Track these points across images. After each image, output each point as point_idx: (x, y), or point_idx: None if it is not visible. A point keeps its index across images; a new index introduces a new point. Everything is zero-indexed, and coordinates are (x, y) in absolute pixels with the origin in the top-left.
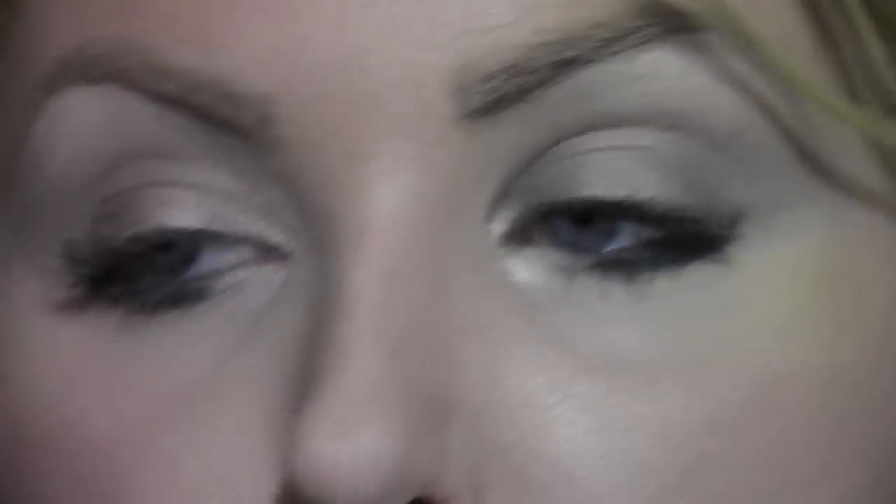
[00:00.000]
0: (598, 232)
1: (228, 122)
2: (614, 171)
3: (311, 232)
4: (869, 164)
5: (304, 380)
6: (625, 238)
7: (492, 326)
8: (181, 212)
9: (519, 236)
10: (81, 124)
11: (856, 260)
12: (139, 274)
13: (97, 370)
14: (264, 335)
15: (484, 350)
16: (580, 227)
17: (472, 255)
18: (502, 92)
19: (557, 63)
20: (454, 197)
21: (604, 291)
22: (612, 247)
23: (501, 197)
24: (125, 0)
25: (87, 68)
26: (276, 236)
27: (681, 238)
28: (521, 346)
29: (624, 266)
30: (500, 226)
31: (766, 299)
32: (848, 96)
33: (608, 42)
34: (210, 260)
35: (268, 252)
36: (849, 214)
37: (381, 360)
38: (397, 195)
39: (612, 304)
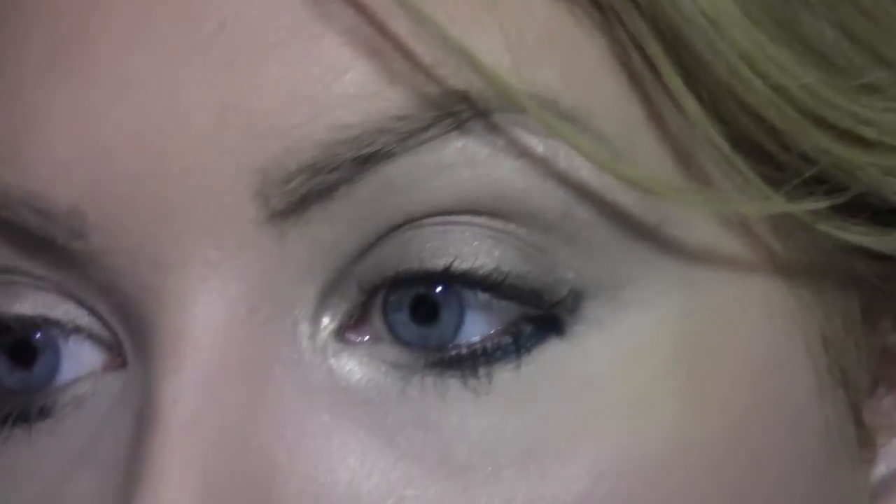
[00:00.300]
0: (437, 326)
1: (43, 237)
2: (444, 243)
3: (137, 340)
4: (723, 231)
5: (123, 500)
6: (467, 330)
7: (319, 433)
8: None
9: (353, 331)
10: None
11: (715, 329)
12: None
13: None
14: (99, 451)
15: (309, 459)
16: (420, 323)
17: (298, 357)
18: (304, 192)
19: (357, 159)
20: (272, 299)
21: (442, 390)
22: (453, 342)
23: (330, 292)
24: None
25: None
26: (110, 346)
27: (522, 320)
28: (351, 453)
29: (465, 361)
30: (331, 322)
31: (615, 380)
32: (678, 164)
33: (411, 134)
34: (52, 368)
35: (107, 361)
36: (704, 284)
37: (191, 478)
38: (211, 302)
39: (451, 402)
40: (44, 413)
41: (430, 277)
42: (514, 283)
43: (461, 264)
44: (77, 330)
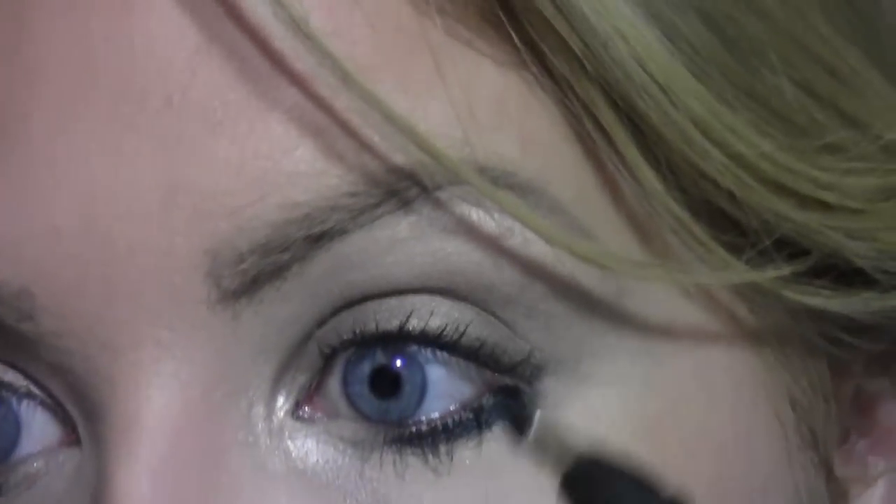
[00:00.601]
0: (398, 400)
1: None
2: (401, 305)
3: (91, 423)
4: (684, 300)
5: None
6: (428, 406)
7: None
8: None
9: (310, 405)
10: None
11: (679, 402)
12: None
13: None
14: None
15: None
16: (380, 396)
17: (254, 440)
18: (256, 272)
19: (309, 238)
20: (225, 381)
21: (402, 469)
22: (413, 417)
23: (285, 369)
24: None
25: None
26: (65, 423)
27: (484, 392)
28: None
29: (425, 437)
30: (286, 401)
31: None
32: (635, 234)
33: (362, 210)
34: (11, 442)
35: (63, 436)
36: (665, 355)
37: None
38: (163, 385)
39: (410, 483)
40: None
41: (387, 338)
42: (471, 343)
43: (418, 323)
44: (30, 396)
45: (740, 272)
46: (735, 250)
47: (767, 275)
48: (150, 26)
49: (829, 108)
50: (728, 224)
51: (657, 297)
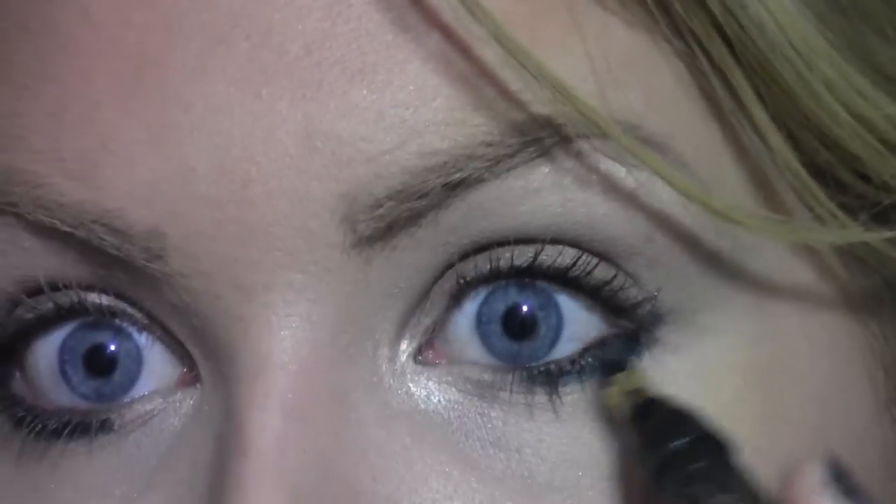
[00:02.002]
0: (531, 341)
1: (118, 256)
2: (529, 248)
3: (215, 362)
4: (792, 258)
5: None
6: (559, 349)
7: (400, 456)
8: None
9: (432, 351)
10: None
11: (784, 355)
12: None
13: None
14: (174, 468)
15: (392, 483)
16: (512, 337)
17: (378, 381)
18: (392, 218)
19: (447, 185)
20: (354, 324)
21: (527, 409)
22: (544, 359)
23: (411, 314)
24: (13, 130)
25: None
26: (183, 362)
27: (608, 337)
28: (432, 476)
29: (553, 379)
30: (409, 345)
31: (692, 401)
32: (756, 192)
33: (499, 159)
34: (130, 380)
35: (181, 376)
36: (773, 310)
37: (282, 500)
38: (294, 327)
39: (534, 423)
40: (106, 428)
41: (519, 272)
42: (597, 283)
43: (548, 259)
44: (151, 332)
45: (857, 232)
46: (851, 212)
47: (884, 235)
48: None
49: None
50: (844, 187)
51: (769, 255)
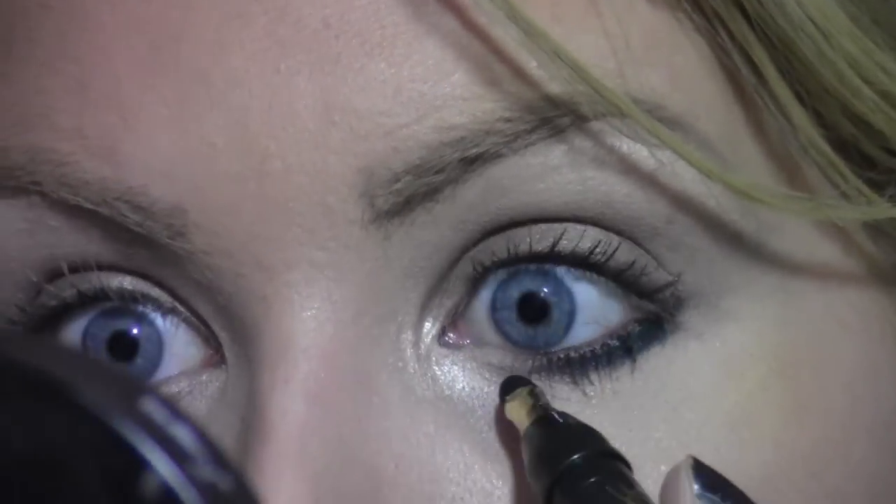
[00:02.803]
0: (546, 326)
1: (141, 234)
2: (550, 229)
3: (239, 343)
4: (818, 236)
5: None
6: (576, 333)
7: (424, 444)
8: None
9: (456, 332)
10: (5, 237)
11: (812, 338)
12: None
13: None
14: None
15: (414, 471)
16: (528, 322)
17: (403, 365)
18: (410, 193)
19: (464, 160)
20: (376, 304)
21: (549, 395)
22: (561, 344)
23: (433, 294)
24: (36, 108)
25: (3, 179)
26: (208, 343)
27: (630, 322)
28: (454, 467)
29: (574, 364)
30: (433, 326)
31: (716, 391)
32: (779, 170)
33: (517, 135)
34: (153, 364)
35: (206, 357)
36: (799, 292)
37: (303, 489)
38: (318, 307)
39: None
40: None
41: (538, 258)
42: (619, 266)
43: (569, 244)
44: (175, 313)
45: (884, 208)
46: (878, 187)
47: None
48: None
49: None
50: (869, 163)
51: (794, 235)
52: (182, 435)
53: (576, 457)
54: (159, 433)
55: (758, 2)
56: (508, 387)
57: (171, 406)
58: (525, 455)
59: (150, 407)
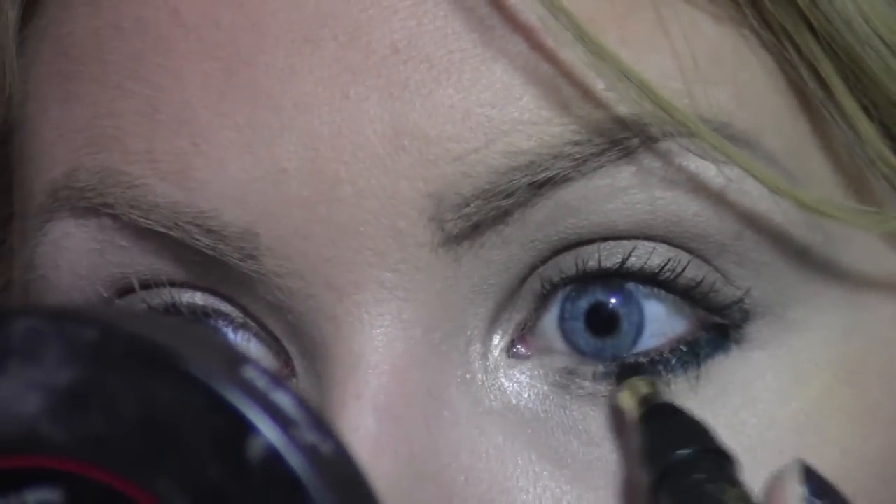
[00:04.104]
0: (615, 337)
1: (214, 257)
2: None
3: (310, 360)
4: (883, 248)
5: None
6: (643, 343)
7: (493, 456)
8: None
9: (524, 344)
10: (76, 255)
11: (876, 348)
12: None
13: None
14: None
15: (484, 483)
16: (596, 333)
17: (471, 378)
18: (479, 217)
19: (534, 184)
20: (445, 321)
21: (612, 403)
22: (630, 352)
23: (501, 310)
24: (107, 130)
25: (74, 200)
26: (279, 357)
27: (698, 330)
28: (524, 477)
29: (644, 372)
30: (501, 339)
31: (781, 400)
32: (846, 184)
33: (585, 159)
34: None
35: (279, 370)
36: (863, 302)
37: None
38: (387, 325)
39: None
40: None
41: (607, 274)
42: (687, 283)
43: (638, 261)
44: (246, 327)
45: None
46: None
47: None
48: None
49: None
50: None
51: (860, 247)
52: (284, 401)
53: (685, 451)
54: (263, 399)
55: (824, 17)
56: (623, 376)
57: (271, 374)
58: (634, 443)
59: (252, 374)
